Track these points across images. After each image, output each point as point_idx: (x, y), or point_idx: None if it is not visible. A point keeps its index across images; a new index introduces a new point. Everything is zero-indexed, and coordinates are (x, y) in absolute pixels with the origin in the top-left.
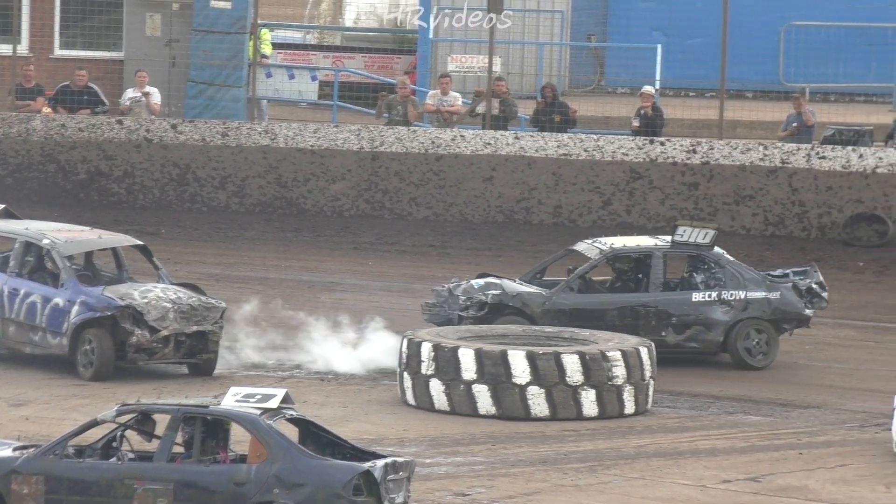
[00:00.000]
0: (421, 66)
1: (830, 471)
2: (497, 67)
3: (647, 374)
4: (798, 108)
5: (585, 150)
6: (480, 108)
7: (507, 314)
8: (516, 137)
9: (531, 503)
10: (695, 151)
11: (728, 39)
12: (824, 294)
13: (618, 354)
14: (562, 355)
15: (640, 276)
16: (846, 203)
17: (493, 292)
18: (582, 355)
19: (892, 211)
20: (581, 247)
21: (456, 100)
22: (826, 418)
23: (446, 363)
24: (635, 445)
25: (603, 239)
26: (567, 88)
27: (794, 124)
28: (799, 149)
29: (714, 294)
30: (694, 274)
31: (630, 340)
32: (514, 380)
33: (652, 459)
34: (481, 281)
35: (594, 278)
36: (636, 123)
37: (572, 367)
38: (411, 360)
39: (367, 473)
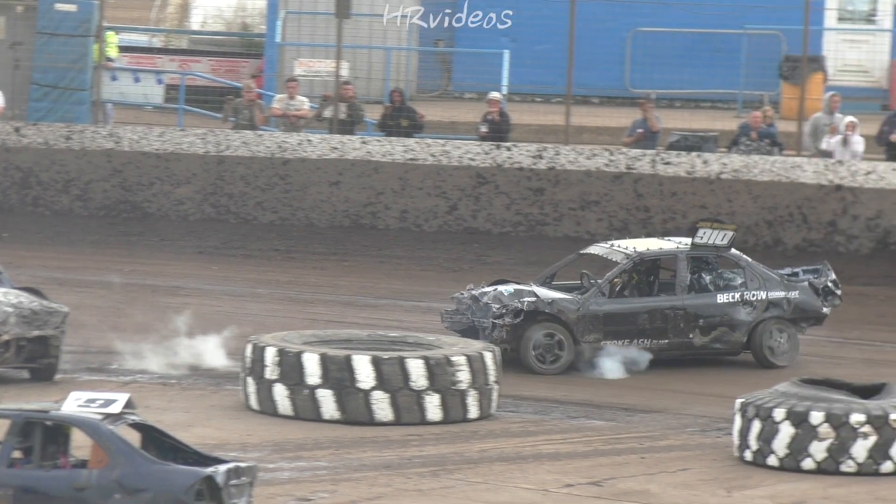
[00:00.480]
0: (268, 69)
1: (672, 475)
2: (345, 72)
3: (492, 378)
4: (644, 114)
5: (432, 155)
6: (327, 113)
7: (542, 321)
8: (363, 142)
9: None
10: (541, 157)
11: (575, 45)
12: (838, 292)
13: (462, 359)
14: (406, 360)
15: (652, 279)
16: (690, 208)
17: (529, 299)
18: (426, 360)
19: (735, 216)
20: (597, 250)
21: (303, 104)
22: (668, 423)
23: (290, 368)
24: (479, 450)
25: (618, 242)
26: (415, 93)
27: (640, 130)
28: (644, 154)
29: (737, 295)
30: (715, 275)
31: (475, 345)
32: (358, 384)
33: (495, 464)
34: (510, 287)
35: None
36: (483, 129)
37: (416, 372)
38: (255, 365)
39: (209, 479)
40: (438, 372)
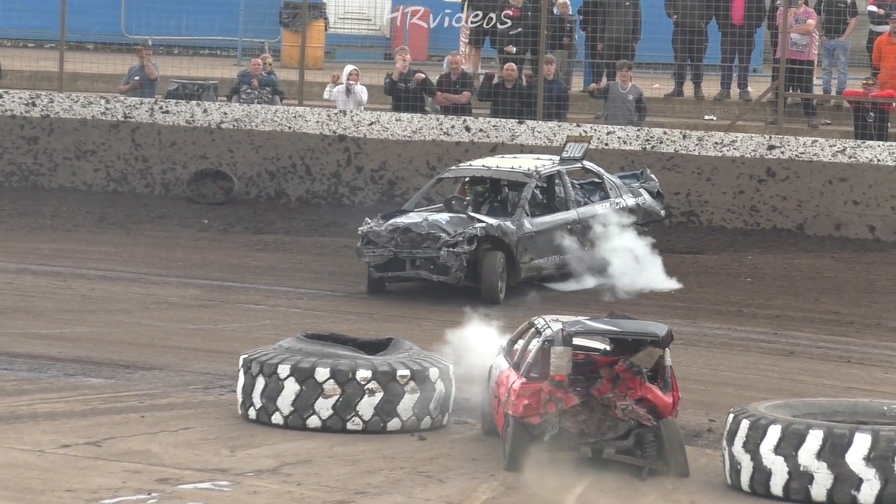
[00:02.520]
0: None
1: (174, 434)
2: None
3: None
4: (141, 61)
5: None
6: None
7: (487, 247)
8: None
9: None
10: (34, 104)
11: None
12: (663, 195)
13: None
14: None
15: (544, 197)
16: (191, 159)
17: (479, 225)
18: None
19: (237, 167)
20: (467, 172)
21: None
22: (170, 380)
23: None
24: None
25: (495, 162)
26: None
27: (137, 77)
28: (142, 103)
29: (609, 204)
30: (584, 188)
31: None
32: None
33: None
34: (445, 215)
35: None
36: None
37: None
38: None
39: None
40: None
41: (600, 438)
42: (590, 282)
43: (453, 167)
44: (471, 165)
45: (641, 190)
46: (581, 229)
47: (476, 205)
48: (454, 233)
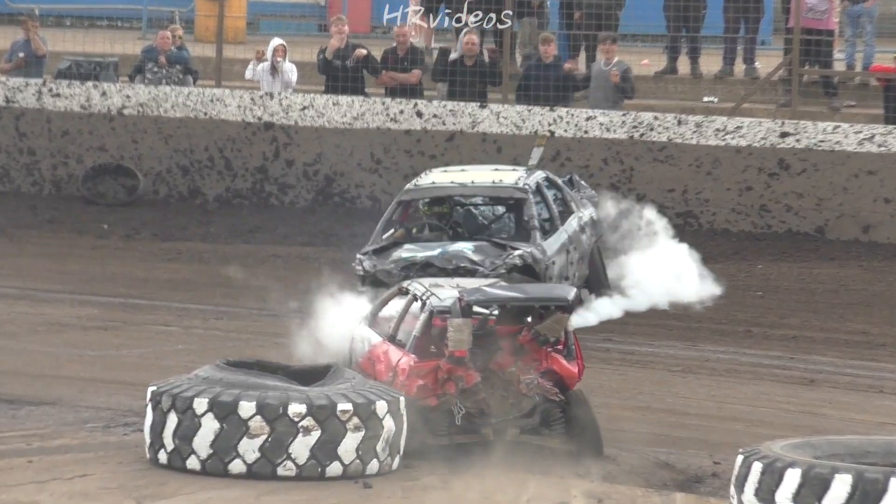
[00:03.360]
0: None
1: (68, 482)
2: None
3: None
4: (27, 34)
5: None
6: None
7: (525, 274)
8: None
9: None
10: None
11: None
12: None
13: None
14: None
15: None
16: (87, 151)
17: (516, 253)
18: None
19: (142, 161)
20: (429, 193)
21: None
22: (63, 418)
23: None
24: None
25: (464, 176)
26: None
27: (21, 54)
28: (28, 84)
29: (579, 220)
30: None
31: None
32: None
33: None
34: (469, 244)
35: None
36: None
37: None
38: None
39: None
40: None
41: (503, 419)
42: (610, 308)
43: (410, 186)
44: (434, 183)
45: (586, 201)
46: (575, 249)
47: (436, 229)
48: (490, 264)
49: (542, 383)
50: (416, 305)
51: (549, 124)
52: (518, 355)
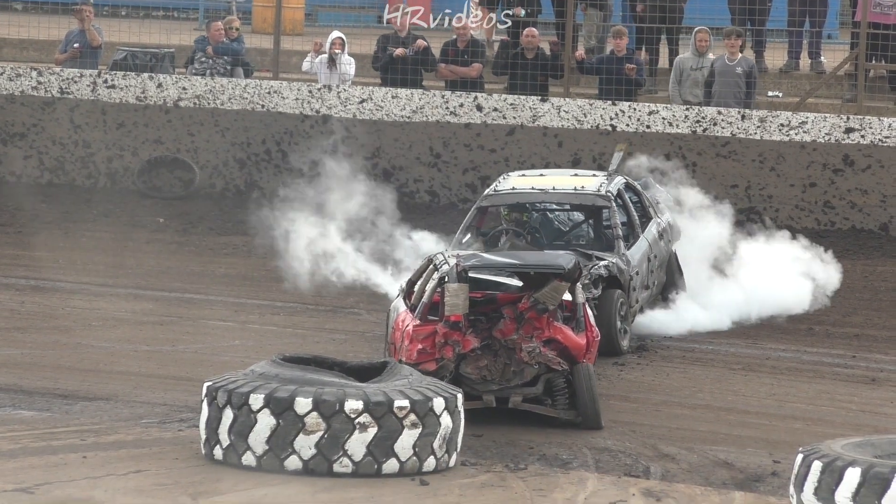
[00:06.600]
0: None
1: (122, 478)
2: None
3: None
4: (81, 25)
5: None
6: None
7: (605, 287)
8: None
9: None
10: None
11: None
12: None
13: None
14: None
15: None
16: (142, 144)
17: (602, 263)
18: None
19: (198, 154)
20: (539, 193)
21: None
22: (118, 413)
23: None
24: None
25: (545, 182)
26: None
27: (76, 45)
28: (83, 75)
29: (656, 226)
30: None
31: None
32: None
33: None
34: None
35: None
36: None
37: None
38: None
39: None
40: None
41: (505, 385)
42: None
43: (490, 192)
44: (514, 189)
45: (662, 206)
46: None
47: (517, 236)
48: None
49: (544, 351)
50: (436, 274)
51: (611, 119)
52: (520, 323)
